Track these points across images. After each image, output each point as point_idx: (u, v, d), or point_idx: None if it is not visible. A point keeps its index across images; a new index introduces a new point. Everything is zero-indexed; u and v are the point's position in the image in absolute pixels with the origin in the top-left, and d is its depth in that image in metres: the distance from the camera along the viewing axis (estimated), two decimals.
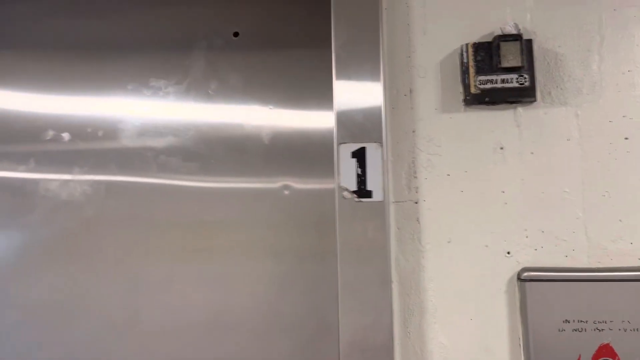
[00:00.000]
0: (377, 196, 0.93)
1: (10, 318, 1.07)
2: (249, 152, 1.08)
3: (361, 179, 0.94)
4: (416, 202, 0.96)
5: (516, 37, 0.92)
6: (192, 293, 1.05)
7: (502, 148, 0.95)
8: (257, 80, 1.11)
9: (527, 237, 0.92)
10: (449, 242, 0.94)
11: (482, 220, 0.94)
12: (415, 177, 0.96)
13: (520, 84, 0.91)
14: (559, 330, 0.86)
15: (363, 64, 0.96)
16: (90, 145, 1.11)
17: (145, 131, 1.11)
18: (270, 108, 1.08)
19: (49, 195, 1.11)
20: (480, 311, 0.92)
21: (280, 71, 1.10)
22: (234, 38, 1.12)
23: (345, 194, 0.93)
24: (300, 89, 1.09)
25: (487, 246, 0.93)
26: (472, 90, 0.93)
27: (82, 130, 1.11)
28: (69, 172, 1.11)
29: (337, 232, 0.94)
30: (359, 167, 0.94)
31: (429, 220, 0.95)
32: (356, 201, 0.93)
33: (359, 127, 0.95)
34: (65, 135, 1.11)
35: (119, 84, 1.13)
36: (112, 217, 1.08)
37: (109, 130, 1.11)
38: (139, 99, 1.12)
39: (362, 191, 0.94)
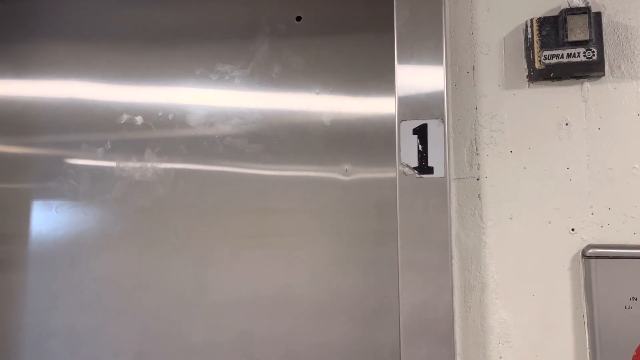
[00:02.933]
0: (438, 172, 0.94)
1: (91, 289, 1.16)
2: (310, 135, 1.11)
3: (422, 155, 0.95)
4: (477, 179, 0.96)
5: (584, 10, 0.90)
6: (255, 271, 1.09)
7: (567, 124, 0.93)
8: (319, 64, 1.13)
9: (592, 214, 0.91)
10: (510, 218, 0.94)
11: (546, 196, 0.93)
12: (477, 154, 0.97)
13: (588, 58, 0.90)
14: (626, 308, 0.85)
15: (425, 42, 0.97)
16: (161, 129, 1.18)
17: (212, 114, 1.16)
18: (331, 91, 1.11)
19: (124, 176, 1.18)
20: (543, 288, 0.91)
21: (342, 55, 1.13)
22: (297, 22, 1.16)
23: (407, 170, 0.95)
24: (361, 72, 1.11)
25: (550, 223, 0.92)
26: (537, 65, 0.92)
27: (154, 114, 1.18)
28: (142, 155, 1.18)
29: (397, 209, 0.95)
30: (421, 144, 0.95)
31: (490, 196, 0.95)
32: (417, 177, 0.95)
33: (421, 104, 0.96)
34: (139, 119, 1.19)
35: (188, 70, 1.19)
36: (182, 197, 1.14)
37: (178, 114, 1.17)
38: (206, 83, 1.18)
39: (424, 167, 0.95)
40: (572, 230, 0.91)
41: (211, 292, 1.12)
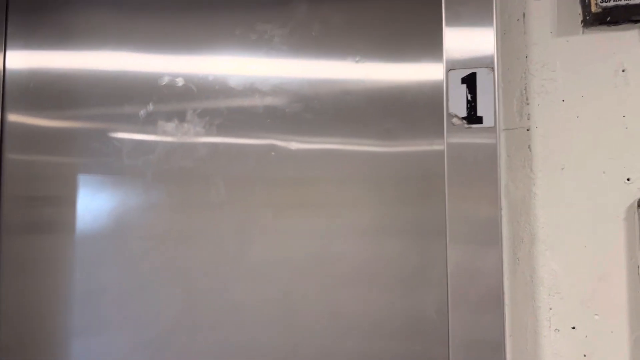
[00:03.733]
0: (487, 122, 0.92)
1: (138, 247, 1.18)
2: (351, 95, 1.07)
3: (471, 105, 0.93)
4: (528, 129, 0.94)
5: None
6: (295, 238, 1.08)
7: (624, 70, 0.90)
8: (359, 21, 1.11)
9: None
10: (562, 169, 0.92)
11: (600, 146, 0.90)
12: (528, 104, 0.94)
13: None
14: None
15: None
16: (202, 91, 1.17)
17: (251, 75, 1.14)
18: (372, 51, 1.07)
19: (166, 139, 1.19)
20: (595, 239, 0.90)
21: (384, 10, 1.09)
22: None
23: (455, 120, 0.93)
24: (405, 29, 1.07)
25: (604, 173, 0.90)
26: (593, 9, 0.89)
27: (195, 76, 1.17)
28: (184, 115, 1.18)
29: (445, 160, 0.94)
30: (469, 93, 0.93)
31: (541, 147, 0.93)
32: (466, 127, 0.93)
33: (469, 53, 0.94)
34: (179, 81, 1.19)
35: (227, 31, 1.17)
36: (222, 158, 1.14)
37: (218, 75, 1.16)
38: (245, 44, 1.17)
39: (472, 117, 0.93)
40: (628, 180, 0.89)
41: (253, 253, 1.13)
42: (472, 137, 0.93)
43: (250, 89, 1.13)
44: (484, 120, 0.93)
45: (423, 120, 1.03)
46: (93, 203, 1.19)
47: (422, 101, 1.03)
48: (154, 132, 1.19)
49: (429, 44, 1.04)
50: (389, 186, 1.04)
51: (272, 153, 1.10)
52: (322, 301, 1.05)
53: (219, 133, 1.15)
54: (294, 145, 1.09)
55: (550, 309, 0.91)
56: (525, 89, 0.94)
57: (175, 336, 1.12)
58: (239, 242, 1.11)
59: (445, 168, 0.94)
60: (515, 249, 0.93)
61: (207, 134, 1.16)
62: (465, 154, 0.93)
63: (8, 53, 1.24)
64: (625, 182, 0.89)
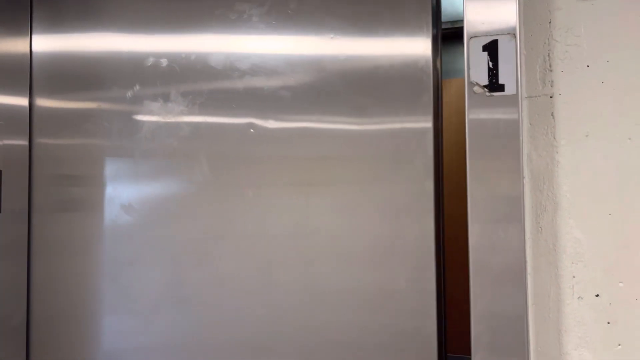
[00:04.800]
0: (509, 90, 0.91)
1: (125, 220, 1.19)
2: (326, 72, 1.06)
3: (493, 72, 0.92)
4: (551, 96, 0.93)
5: None
6: (274, 213, 1.09)
7: None
8: None
9: None
10: (586, 136, 0.91)
11: (626, 112, 0.89)
12: (551, 70, 0.93)
13: None
14: None
15: None
16: (185, 70, 1.16)
17: (231, 53, 1.13)
18: (347, 27, 1.05)
19: (152, 119, 1.19)
20: (620, 206, 0.89)
21: None
22: None
23: (476, 88, 0.92)
24: (378, 5, 1.04)
25: (630, 139, 0.88)
26: None
27: (178, 56, 1.16)
28: (168, 95, 1.18)
29: (466, 129, 0.93)
30: (491, 61, 0.92)
31: (564, 114, 0.92)
32: (487, 95, 0.92)
33: (491, 20, 0.92)
34: (164, 61, 1.18)
35: (208, 12, 1.16)
36: (205, 135, 1.14)
37: (200, 55, 1.15)
38: (225, 23, 1.15)
39: (494, 85, 0.92)
40: None
41: (234, 228, 1.12)
42: (494, 105, 0.92)
43: (230, 68, 1.13)
44: (506, 88, 0.91)
45: (397, 97, 1.02)
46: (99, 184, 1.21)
47: (397, 77, 1.02)
48: (139, 113, 1.19)
49: (402, 19, 1.03)
50: (364, 163, 1.03)
51: (251, 130, 1.11)
52: (299, 273, 1.07)
53: (200, 112, 1.15)
54: (272, 123, 1.10)
55: (574, 277, 0.91)
56: (549, 55, 0.93)
57: (163, 307, 1.15)
58: (221, 218, 1.13)
59: (467, 136, 0.93)
60: (538, 218, 0.93)
61: (190, 112, 1.16)
62: (487, 122, 0.92)
63: (34, 37, 1.25)
64: None
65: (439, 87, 1.05)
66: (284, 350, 1.08)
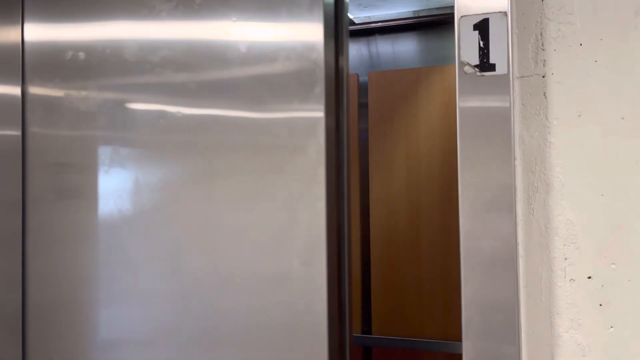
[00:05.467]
0: (500, 69, 0.90)
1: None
2: (229, 62, 1.07)
3: (484, 52, 0.90)
4: (543, 76, 0.91)
5: None
6: (180, 201, 1.12)
7: None
8: None
9: None
10: (579, 116, 0.89)
11: (619, 91, 0.87)
12: (543, 49, 0.91)
13: None
14: None
15: None
16: (101, 62, 1.17)
17: (143, 47, 1.14)
18: (248, 18, 1.07)
19: (72, 107, 1.20)
20: (614, 186, 0.87)
21: None
22: None
23: (467, 68, 0.91)
24: None
25: (623, 118, 0.87)
26: None
27: (93, 49, 1.18)
28: (86, 86, 1.18)
29: (457, 109, 0.92)
30: (482, 40, 0.90)
31: (557, 94, 0.90)
32: (478, 75, 0.91)
33: None
34: (81, 55, 1.19)
35: (120, 6, 1.17)
36: (120, 124, 1.17)
37: (115, 48, 1.16)
38: (137, 17, 1.16)
39: (485, 65, 0.90)
40: None
41: (142, 215, 1.15)
42: (484, 85, 0.91)
43: (143, 61, 1.14)
44: (497, 67, 0.90)
45: (293, 88, 1.03)
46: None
47: (292, 68, 1.03)
48: (60, 103, 1.21)
49: (297, 10, 1.03)
50: (263, 153, 1.05)
51: (161, 120, 1.13)
52: (204, 257, 1.09)
53: (115, 104, 1.17)
54: (180, 113, 1.11)
55: (566, 259, 0.90)
56: (541, 34, 0.91)
57: (80, 289, 1.19)
58: (132, 205, 1.15)
59: (458, 118, 0.92)
60: (529, 200, 0.92)
61: (105, 103, 1.17)
62: (478, 102, 0.91)
63: (26, 25, 1.24)
64: None
65: (339, 78, 1.06)
66: (192, 331, 1.10)
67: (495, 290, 0.90)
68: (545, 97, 0.91)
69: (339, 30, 1.07)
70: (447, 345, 1.94)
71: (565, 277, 0.90)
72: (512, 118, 0.89)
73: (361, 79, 2.20)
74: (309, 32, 1.02)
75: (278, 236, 1.03)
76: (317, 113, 1.01)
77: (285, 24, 1.05)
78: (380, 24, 2.22)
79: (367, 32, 2.27)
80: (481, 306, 0.91)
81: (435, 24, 2.18)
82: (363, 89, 2.19)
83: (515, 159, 0.91)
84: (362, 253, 2.12)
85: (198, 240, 1.10)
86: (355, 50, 2.30)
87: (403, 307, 2.04)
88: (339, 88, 1.06)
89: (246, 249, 1.06)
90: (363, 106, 2.16)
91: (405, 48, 2.27)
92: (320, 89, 1.01)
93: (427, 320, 2.00)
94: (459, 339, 0.93)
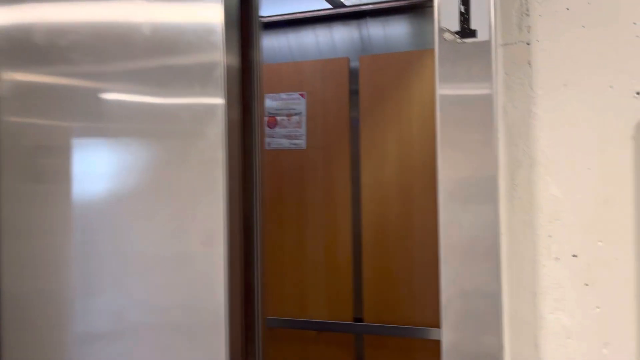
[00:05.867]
0: (482, 35, 0.85)
1: None
2: (134, 45, 1.06)
3: (464, 17, 0.85)
4: (528, 43, 0.86)
5: None
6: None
7: None
8: None
9: None
10: (565, 85, 0.84)
11: (607, 58, 0.82)
12: (528, 15, 0.86)
13: None
14: None
15: None
16: (13, 47, 1.15)
17: (51, 30, 1.12)
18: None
19: None
20: (601, 160, 0.82)
21: None
22: None
23: (447, 35, 0.86)
24: None
25: (611, 87, 0.82)
26: None
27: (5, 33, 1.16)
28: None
29: (436, 79, 0.87)
30: (462, 4, 0.85)
31: (542, 62, 0.85)
32: (459, 42, 0.86)
33: None
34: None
35: None
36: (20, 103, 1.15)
37: (22, 31, 1.14)
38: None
39: (466, 31, 0.85)
40: (638, 94, 0.81)
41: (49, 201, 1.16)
42: (465, 52, 0.85)
43: (51, 45, 1.12)
44: (479, 33, 0.85)
45: (195, 72, 1.01)
46: None
47: (194, 52, 1.01)
48: None
49: None
50: (166, 138, 1.04)
51: (74, 105, 1.11)
52: (111, 243, 1.10)
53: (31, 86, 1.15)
54: (90, 98, 1.10)
55: (550, 236, 0.85)
56: None
57: None
58: (29, 192, 1.15)
59: (437, 88, 0.87)
60: (513, 175, 0.87)
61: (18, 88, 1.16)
62: (459, 71, 0.86)
63: None
64: (634, 97, 0.81)
65: (248, 65, 1.05)
66: (101, 310, 1.11)
67: (475, 271, 0.86)
68: (530, 66, 0.86)
69: (247, 15, 1.06)
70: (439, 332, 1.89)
71: (549, 255, 0.85)
72: (494, 87, 0.84)
73: (352, 63, 2.15)
74: (208, 14, 1.00)
75: (180, 218, 1.03)
76: (217, 100, 0.99)
77: (187, 4, 1.02)
78: (371, 6, 2.17)
79: (358, 14, 2.21)
80: (460, 288, 0.86)
81: (428, 5, 2.12)
82: (354, 73, 2.14)
83: (497, 131, 0.86)
84: (354, 240, 2.08)
85: (104, 225, 1.10)
86: (346, 34, 2.24)
87: (395, 294, 2.00)
88: (247, 76, 1.05)
89: (150, 230, 1.06)
90: (353, 92, 2.11)
91: (397, 31, 2.21)
92: (219, 73, 0.99)
93: (420, 307, 1.96)
94: None
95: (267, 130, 2.18)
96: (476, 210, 0.85)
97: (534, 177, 0.85)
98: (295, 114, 2.17)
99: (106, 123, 1.09)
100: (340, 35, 2.26)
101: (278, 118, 2.18)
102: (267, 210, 1.98)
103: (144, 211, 1.07)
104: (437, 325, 1.92)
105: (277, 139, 2.17)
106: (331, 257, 2.08)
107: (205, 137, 1.00)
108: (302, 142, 2.14)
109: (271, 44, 2.28)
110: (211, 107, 1.00)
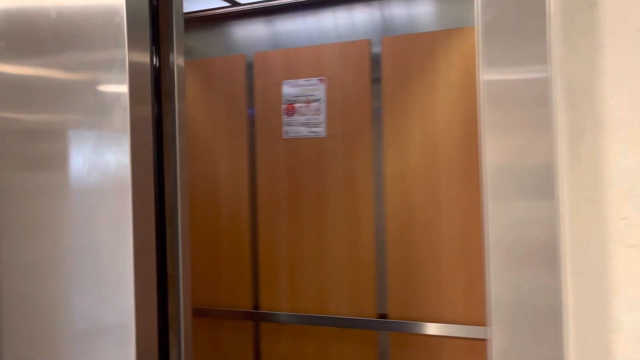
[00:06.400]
0: None
1: None
2: (42, 30, 1.02)
3: None
4: None
5: None
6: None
7: None
8: None
9: None
10: (639, 31, 0.68)
11: None
12: None
13: None
14: None
15: None
16: None
17: None
18: None
19: None
20: None
21: None
22: None
23: None
24: None
25: None
26: None
27: None
28: None
29: (478, 30, 0.72)
30: None
31: (609, 4, 0.69)
32: None
33: None
34: None
35: None
36: None
37: None
38: None
39: None
40: None
41: None
42: None
43: None
44: None
45: (100, 54, 0.97)
46: None
47: (99, 33, 0.97)
48: None
49: None
50: (74, 126, 1.01)
51: None
52: (30, 237, 1.07)
53: None
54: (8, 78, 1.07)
55: (624, 219, 0.68)
56: None
57: None
58: None
59: (479, 39, 0.72)
60: (575, 143, 0.71)
61: None
62: (505, 17, 0.70)
63: None
64: None
65: (163, 61, 1.04)
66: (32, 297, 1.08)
67: (530, 263, 0.70)
68: (595, 9, 0.70)
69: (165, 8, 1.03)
70: (470, 330, 1.73)
71: (623, 242, 0.68)
72: (548, 35, 0.68)
73: (374, 46, 2.01)
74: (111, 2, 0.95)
75: (89, 206, 1.00)
76: (121, 87, 0.95)
77: None
78: None
79: None
80: (513, 284, 0.71)
81: None
82: (376, 57, 1.99)
83: (555, 90, 0.70)
84: (377, 232, 1.93)
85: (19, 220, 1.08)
86: (367, 15, 2.10)
87: (422, 289, 1.85)
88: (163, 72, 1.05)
89: (63, 222, 1.03)
90: (375, 77, 1.97)
91: (421, 10, 2.05)
92: (122, 56, 0.94)
93: (447, 303, 1.80)
94: (481, 323, 0.73)
95: (284, 118, 2.05)
96: (529, 190, 0.70)
97: (602, 145, 0.69)
98: (314, 101, 2.02)
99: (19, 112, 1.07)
100: (360, 17, 2.11)
101: (296, 105, 2.04)
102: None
103: (56, 203, 1.04)
104: (468, 322, 1.77)
105: (295, 127, 2.03)
106: (353, 251, 1.94)
107: (111, 125, 0.97)
108: (321, 130, 2.00)
109: (288, 27, 2.15)
110: (114, 96, 0.96)
